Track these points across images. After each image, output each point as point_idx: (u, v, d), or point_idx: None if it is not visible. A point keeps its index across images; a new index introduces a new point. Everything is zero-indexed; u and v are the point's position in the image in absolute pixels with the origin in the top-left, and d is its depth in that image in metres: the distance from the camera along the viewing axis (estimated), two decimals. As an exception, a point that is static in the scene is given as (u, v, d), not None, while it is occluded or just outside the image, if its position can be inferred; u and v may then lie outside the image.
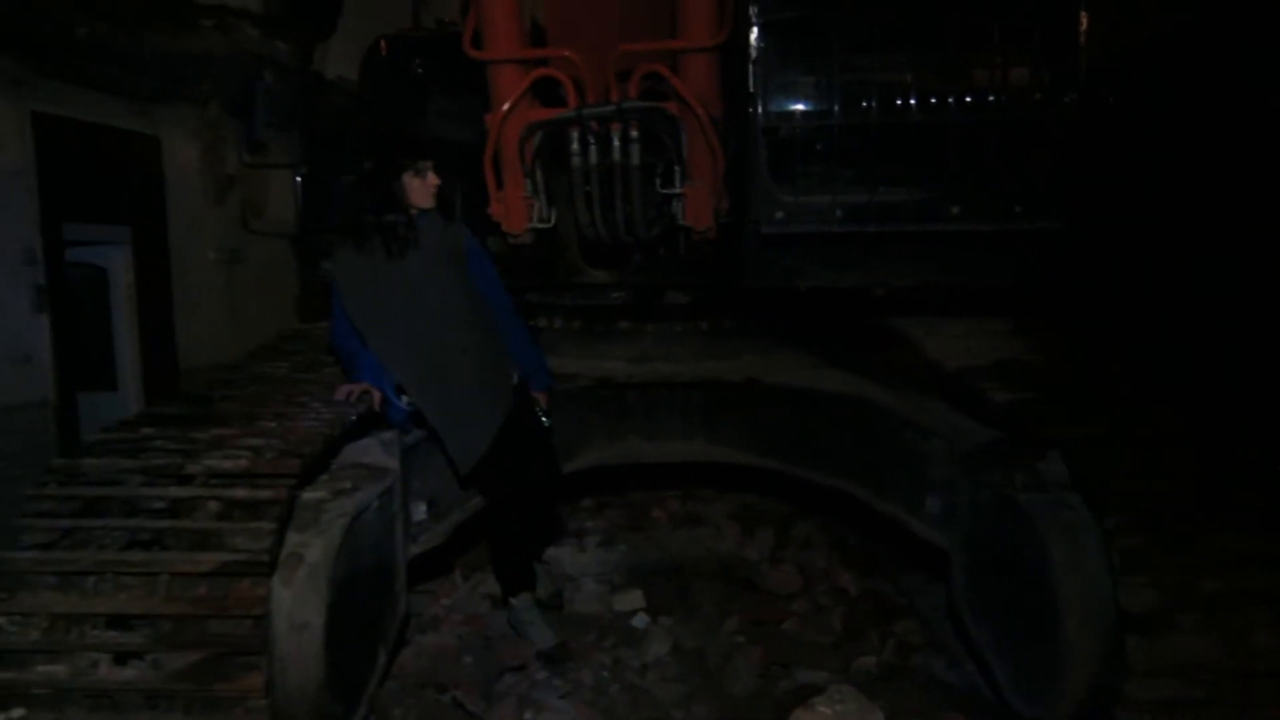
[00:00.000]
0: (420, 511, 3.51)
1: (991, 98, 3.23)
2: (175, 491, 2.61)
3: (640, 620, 3.91)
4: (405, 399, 3.34)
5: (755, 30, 3.29)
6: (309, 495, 2.79)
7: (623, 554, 4.66)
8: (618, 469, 4.92)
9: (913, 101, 3.25)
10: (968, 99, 3.25)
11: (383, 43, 5.35)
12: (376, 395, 3.29)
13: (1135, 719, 2.46)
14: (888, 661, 3.61)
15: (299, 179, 4.78)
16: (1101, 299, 4.43)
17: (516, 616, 3.63)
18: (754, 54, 3.30)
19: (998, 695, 3.08)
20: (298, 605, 2.53)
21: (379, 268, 3.25)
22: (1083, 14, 3.13)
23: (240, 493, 2.60)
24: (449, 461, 3.43)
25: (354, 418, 3.17)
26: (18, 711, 2.46)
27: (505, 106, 3.98)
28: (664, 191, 4.00)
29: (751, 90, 3.32)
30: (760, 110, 3.33)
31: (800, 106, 3.33)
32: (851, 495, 4.05)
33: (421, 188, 3.26)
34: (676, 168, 3.96)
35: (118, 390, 6.75)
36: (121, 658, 2.46)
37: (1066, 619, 2.62)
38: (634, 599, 4.04)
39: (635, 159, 4.00)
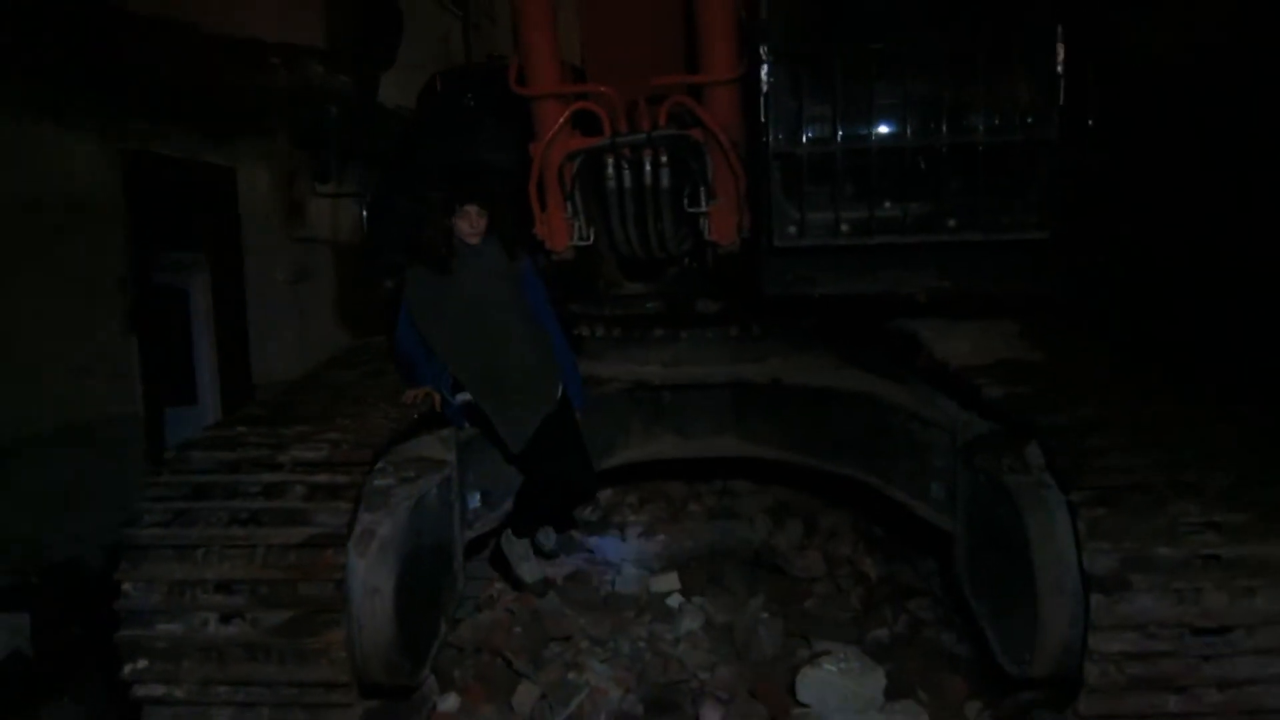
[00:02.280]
0: (475, 500, 3.95)
1: (979, 124, 3.58)
2: (268, 477, 3.07)
3: (675, 600, 4.28)
4: (459, 396, 3.80)
5: (765, 66, 3.68)
6: (379, 482, 3.25)
7: (661, 543, 5.05)
8: (659, 465, 5.33)
9: (908, 127, 3.61)
10: (958, 125, 3.60)
11: (438, 78, 5.82)
12: (436, 397, 3.78)
13: (1098, 668, 2.80)
14: (899, 634, 3.96)
15: (363, 206, 5.24)
16: (1107, 304, 4.71)
17: (510, 549, 4.16)
18: (765, 87, 3.69)
19: (991, 659, 3.40)
20: (371, 573, 2.98)
21: (440, 286, 3.80)
22: (1059, 47, 3.47)
23: (322, 478, 3.05)
24: (500, 448, 3.91)
25: (416, 416, 3.63)
26: (141, 663, 2.93)
27: (547, 137, 4.40)
28: (691, 210, 4.37)
29: (763, 119, 3.71)
30: (771, 137, 3.72)
31: (807, 133, 3.71)
32: (867, 484, 4.40)
33: (464, 226, 3.78)
34: (702, 189, 4.32)
35: (198, 404, 7.30)
36: (226, 617, 2.91)
37: (1040, 583, 2.96)
38: (670, 581, 4.42)
39: (665, 182, 4.38)
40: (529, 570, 4.21)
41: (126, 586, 2.93)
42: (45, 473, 5.39)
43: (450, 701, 3.37)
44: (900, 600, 4.25)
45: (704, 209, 4.35)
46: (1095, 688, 2.83)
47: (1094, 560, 2.80)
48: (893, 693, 3.29)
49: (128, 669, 2.92)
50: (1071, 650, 2.93)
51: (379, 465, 3.35)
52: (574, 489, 4.02)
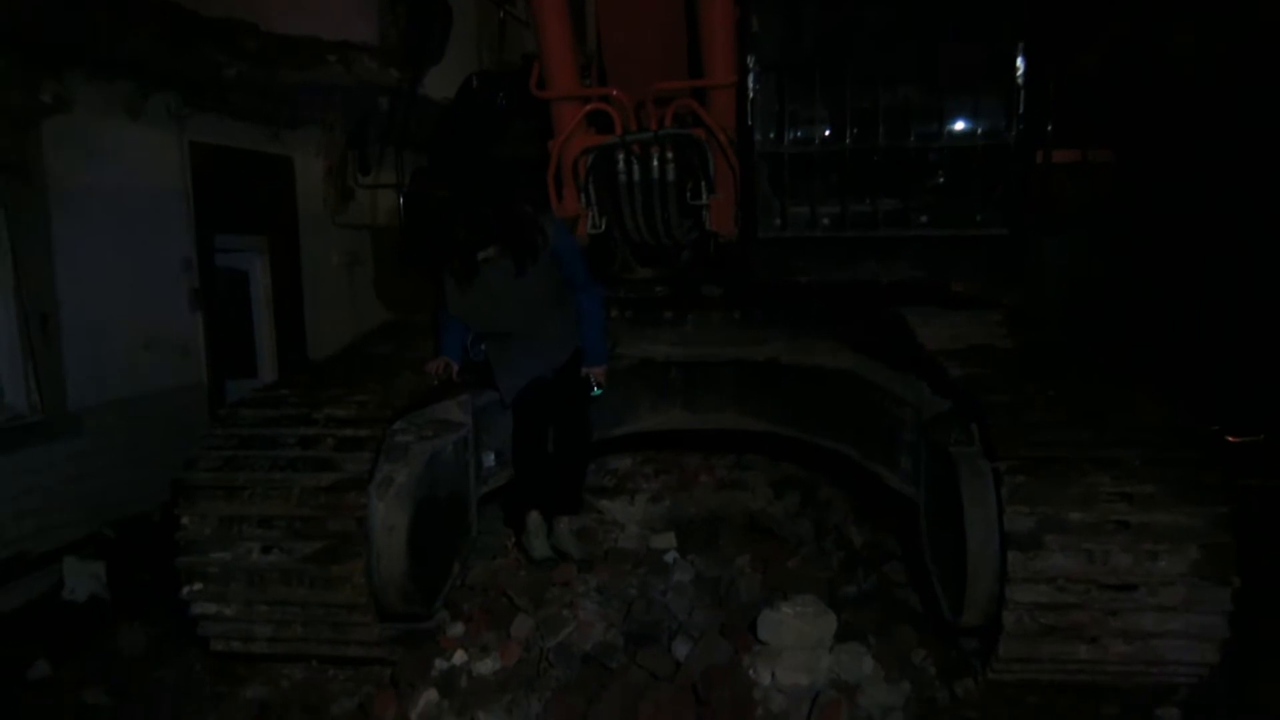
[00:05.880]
0: (490, 459, 4.44)
1: (946, 130, 3.95)
2: (304, 431, 3.59)
3: (671, 556, 4.68)
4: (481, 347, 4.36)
5: (753, 74, 4.08)
6: (400, 438, 3.74)
7: (666, 508, 5.48)
8: (678, 439, 5.78)
9: (880, 132, 3.98)
10: (927, 131, 3.97)
11: (474, 77, 6.28)
12: (455, 368, 4.26)
13: (1014, 616, 3.17)
14: (867, 591, 4.34)
15: (402, 197, 5.73)
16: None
17: (526, 524, 4.50)
18: (752, 94, 4.09)
19: (939, 612, 3.79)
20: (388, 513, 3.49)
21: (470, 279, 4.23)
22: (1019, 61, 3.81)
23: (349, 432, 3.55)
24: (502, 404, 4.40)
25: (436, 383, 4.13)
26: (197, 585, 3.46)
27: (564, 134, 4.86)
28: (693, 203, 4.81)
29: (750, 123, 4.12)
30: (758, 138, 4.12)
31: (790, 135, 4.10)
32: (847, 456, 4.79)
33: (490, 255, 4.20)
34: (704, 183, 4.75)
35: (257, 377, 7.90)
36: (266, 547, 3.43)
37: (970, 541, 3.35)
38: (668, 540, 4.84)
39: (670, 176, 4.82)
40: (538, 548, 4.47)
41: (185, 520, 3.46)
42: (118, 437, 5.99)
43: (457, 629, 3.87)
44: (876, 563, 4.64)
45: (705, 202, 4.77)
46: (1012, 633, 3.21)
47: (1013, 521, 3.16)
48: (845, 636, 3.68)
49: (185, 590, 3.46)
50: (996, 601, 3.31)
51: (402, 424, 3.85)
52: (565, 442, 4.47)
